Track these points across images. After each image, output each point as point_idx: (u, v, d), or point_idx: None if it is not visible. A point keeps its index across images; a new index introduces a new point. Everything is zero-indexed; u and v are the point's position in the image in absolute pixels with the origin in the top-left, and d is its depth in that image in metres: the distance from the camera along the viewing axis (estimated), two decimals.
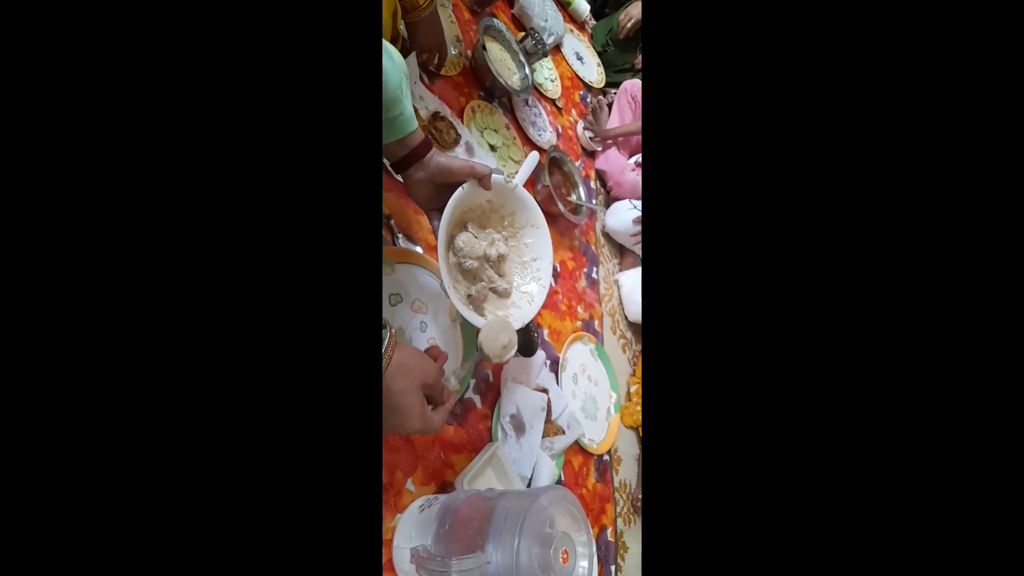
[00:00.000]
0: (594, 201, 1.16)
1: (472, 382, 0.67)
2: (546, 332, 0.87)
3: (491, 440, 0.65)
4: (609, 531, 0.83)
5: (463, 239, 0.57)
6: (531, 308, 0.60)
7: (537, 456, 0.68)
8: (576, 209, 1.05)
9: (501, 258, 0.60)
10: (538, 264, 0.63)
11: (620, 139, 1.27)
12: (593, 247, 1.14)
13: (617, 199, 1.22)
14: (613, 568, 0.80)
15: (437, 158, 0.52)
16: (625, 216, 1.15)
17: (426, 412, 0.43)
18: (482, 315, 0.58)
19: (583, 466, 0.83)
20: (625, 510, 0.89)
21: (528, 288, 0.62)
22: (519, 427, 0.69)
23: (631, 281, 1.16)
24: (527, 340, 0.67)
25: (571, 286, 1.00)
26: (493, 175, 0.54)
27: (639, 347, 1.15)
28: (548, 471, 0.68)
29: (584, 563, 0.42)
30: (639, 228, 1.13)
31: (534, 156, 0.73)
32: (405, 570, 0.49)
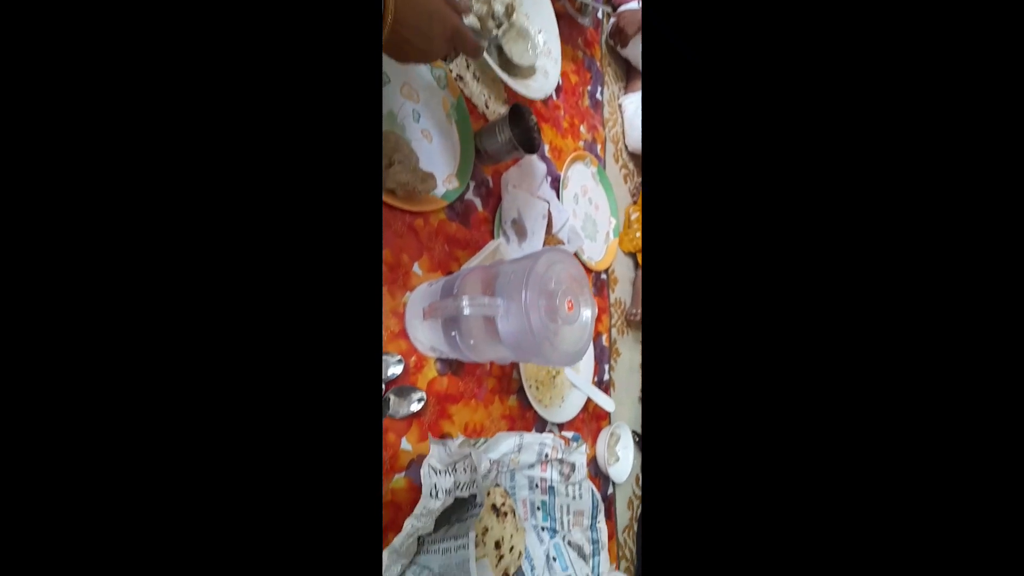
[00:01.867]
0: (600, 4, 1.01)
1: (471, 184, 0.65)
2: (547, 148, 0.83)
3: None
4: (604, 337, 0.90)
5: None
6: (547, 82, 0.55)
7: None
8: (582, 9, 0.92)
9: (510, 8, 0.53)
10: (544, 37, 0.56)
11: None
12: (598, 63, 1.03)
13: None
14: (607, 367, 0.89)
15: None
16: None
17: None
18: None
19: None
20: (619, 323, 0.95)
21: (541, 63, 0.56)
22: (520, 232, 0.69)
23: (635, 106, 1.08)
24: (527, 136, 0.63)
25: (574, 103, 0.92)
26: None
27: (639, 180, 1.12)
28: None
29: (587, 312, 0.44)
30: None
31: None
32: (419, 339, 0.53)
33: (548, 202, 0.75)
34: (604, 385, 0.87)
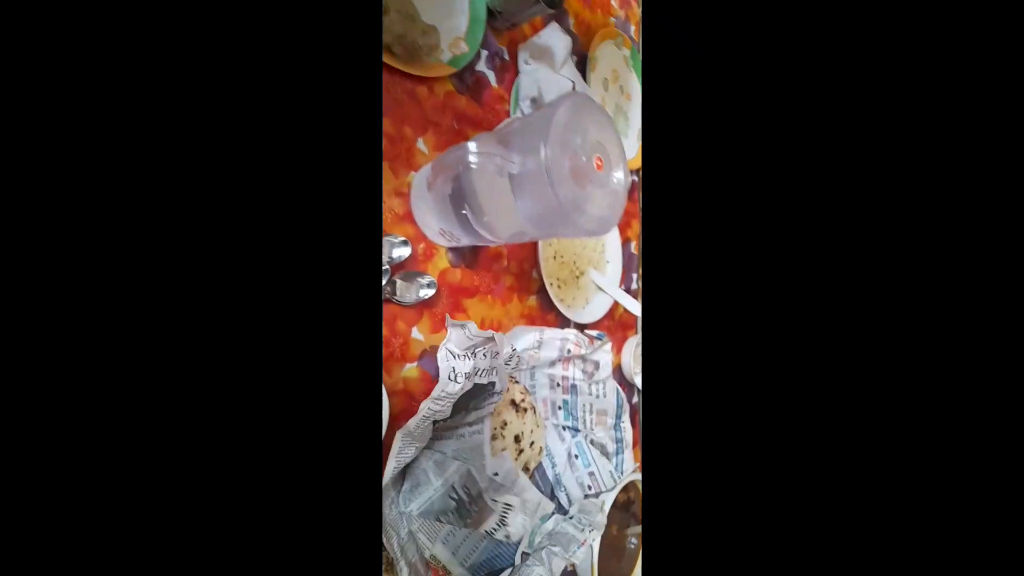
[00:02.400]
0: None
1: (483, 53, 0.56)
2: (572, 22, 0.71)
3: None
4: (633, 244, 0.83)
5: None
6: None
7: None
8: None
9: None
10: None
11: None
12: None
13: None
14: (635, 275, 0.83)
15: None
16: None
17: None
18: None
19: None
20: None
21: None
22: None
23: None
24: None
25: None
26: None
27: None
28: None
29: (619, 173, 0.38)
30: None
31: None
32: (427, 223, 0.48)
33: (573, 82, 0.66)
34: (632, 294, 0.81)
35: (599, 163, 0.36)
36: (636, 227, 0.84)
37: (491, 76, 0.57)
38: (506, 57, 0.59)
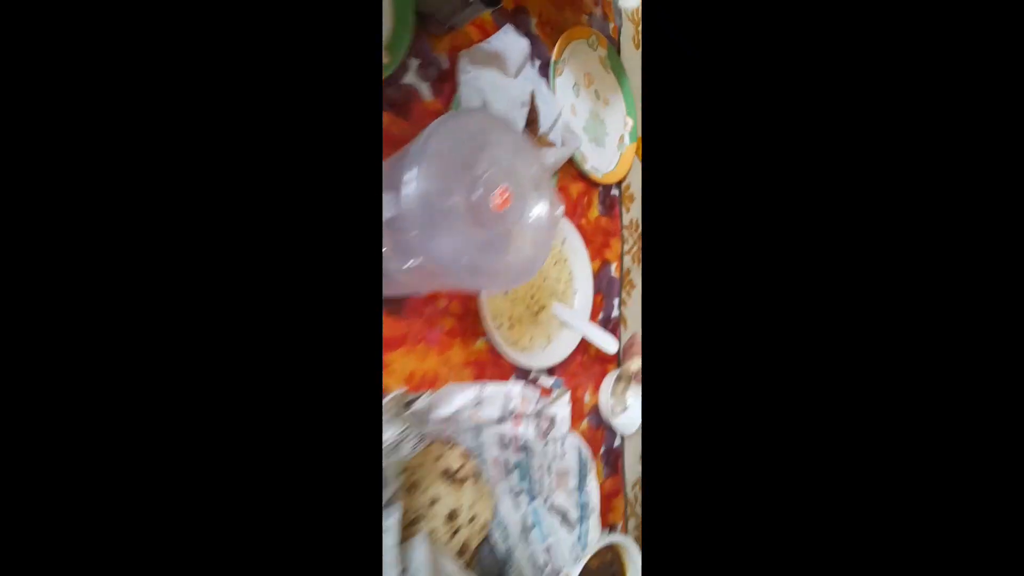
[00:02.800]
0: None
1: (412, 62, 0.49)
2: (534, 22, 0.63)
3: None
4: (614, 266, 0.74)
5: None
6: None
7: None
8: None
9: None
10: None
11: None
12: None
13: None
14: (617, 301, 0.74)
15: None
16: None
17: None
18: None
19: (584, 196, 0.69)
20: (635, 248, 0.79)
21: None
22: None
23: None
24: None
25: None
26: None
27: None
28: None
29: (541, 209, 0.29)
30: None
31: None
32: None
33: (532, 91, 0.58)
34: (612, 323, 0.72)
35: (504, 198, 0.28)
36: (616, 247, 0.75)
37: (424, 88, 0.50)
38: (443, 65, 0.52)
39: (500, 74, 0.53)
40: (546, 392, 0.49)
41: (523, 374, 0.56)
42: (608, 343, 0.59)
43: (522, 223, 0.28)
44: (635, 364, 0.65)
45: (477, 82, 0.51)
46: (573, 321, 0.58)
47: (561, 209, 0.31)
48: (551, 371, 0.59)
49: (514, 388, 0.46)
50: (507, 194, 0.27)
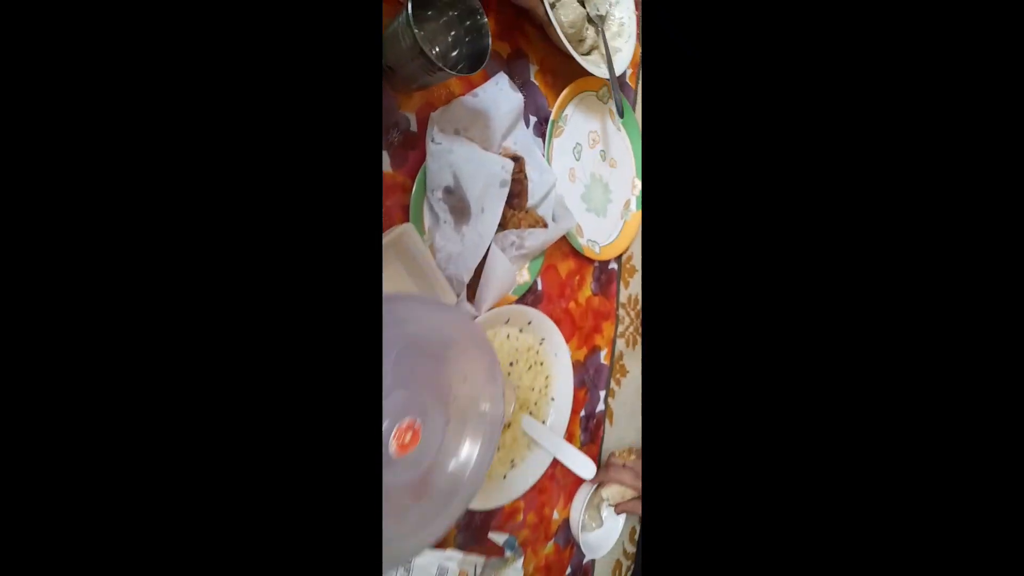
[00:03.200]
0: None
1: None
2: (533, 71, 0.54)
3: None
4: (604, 353, 0.64)
5: None
6: None
7: (489, 253, 0.44)
8: None
9: None
10: None
11: None
12: None
13: None
14: (604, 393, 0.64)
15: None
16: None
17: None
18: None
19: (575, 275, 0.59)
20: (631, 330, 0.69)
21: None
22: (460, 209, 0.43)
23: None
24: (471, 21, 0.35)
25: None
26: None
27: None
28: (502, 275, 0.44)
29: (468, 450, 0.20)
30: None
31: None
32: None
33: (519, 159, 0.48)
34: (595, 420, 0.63)
35: (410, 436, 0.18)
36: (608, 331, 0.65)
37: (383, 157, 0.40)
38: (409, 126, 0.42)
39: (476, 148, 0.43)
40: (495, 551, 0.40)
41: (470, 523, 0.46)
42: (584, 467, 0.49)
43: (441, 467, 0.19)
44: (614, 491, 0.55)
45: (449, 156, 0.41)
46: (545, 440, 0.48)
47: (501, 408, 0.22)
48: (519, 499, 0.50)
49: (451, 557, 0.36)
50: (416, 430, 0.18)
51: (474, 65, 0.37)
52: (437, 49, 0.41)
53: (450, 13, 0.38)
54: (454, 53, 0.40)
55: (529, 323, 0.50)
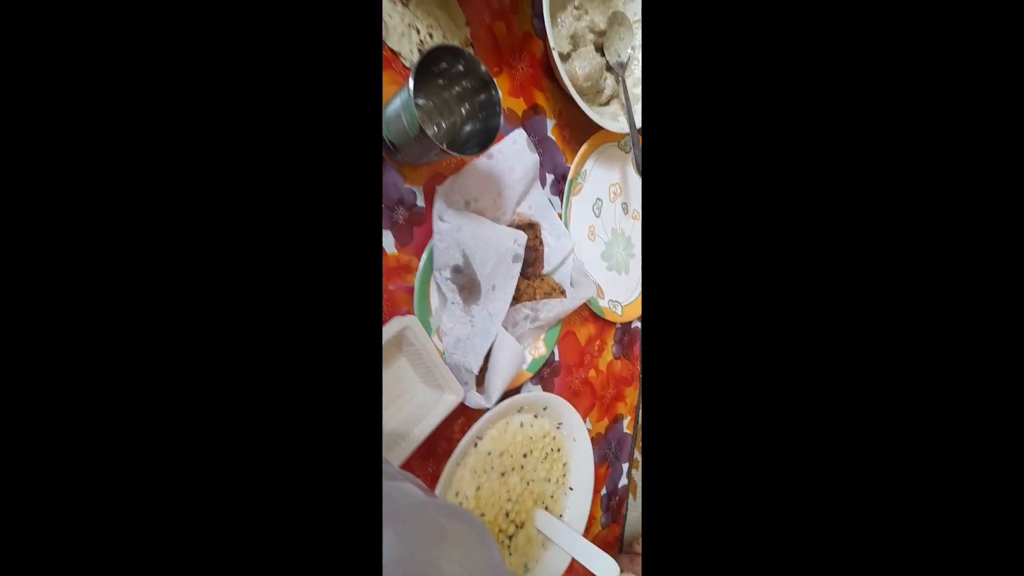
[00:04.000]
0: None
1: None
2: (551, 125, 0.50)
3: (411, 312, 0.37)
4: (627, 421, 0.59)
5: None
6: None
7: (497, 335, 0.40)
8: None
9: None
10: None
11: None
12: None
13: None
14: (626, 466, 0.59)
15: None
16: None
17: None
18: None
19: (595, 340, 0.55)
20: None
21: None
22: (469, 288, 0.40)
23: None
24: (485, 95, 0.32)
25: None
26: None
27: None
28: (510, 359, 0.40)
29: None
30: None
31: None
32: None
33: (535, 225, 0.44)
34: (618, 496, 0.58)
35: None
36: (632, 397, 0.60)
37: (387, 237, 0.37)
38: (420, 203, 0.39)
39: (486, 223, 0.39)
40: None
41: None
42: (605, 566, 0.44)
43: None
44: None
45: (457, 234, 0.37)
46: (561, 537, 0.43)
47: None
48: None
49: None
50: None
51: (484, 143, 0.33)
52: (444, 125, 0.37)
53: (463, 83, 0.35)
54: (467, 127, 0.36)
55: (545, 408, 0.45)
